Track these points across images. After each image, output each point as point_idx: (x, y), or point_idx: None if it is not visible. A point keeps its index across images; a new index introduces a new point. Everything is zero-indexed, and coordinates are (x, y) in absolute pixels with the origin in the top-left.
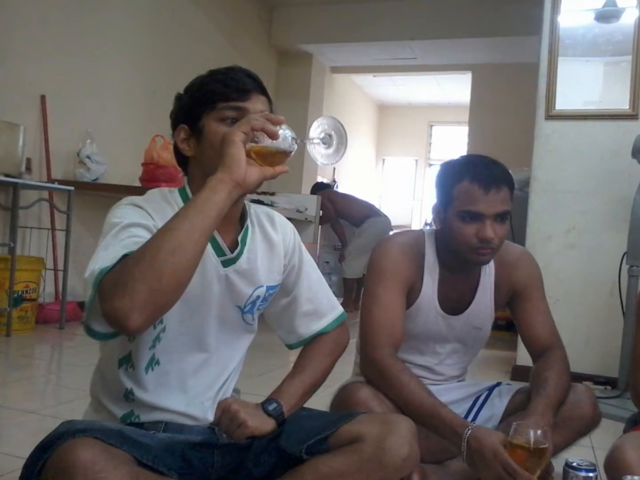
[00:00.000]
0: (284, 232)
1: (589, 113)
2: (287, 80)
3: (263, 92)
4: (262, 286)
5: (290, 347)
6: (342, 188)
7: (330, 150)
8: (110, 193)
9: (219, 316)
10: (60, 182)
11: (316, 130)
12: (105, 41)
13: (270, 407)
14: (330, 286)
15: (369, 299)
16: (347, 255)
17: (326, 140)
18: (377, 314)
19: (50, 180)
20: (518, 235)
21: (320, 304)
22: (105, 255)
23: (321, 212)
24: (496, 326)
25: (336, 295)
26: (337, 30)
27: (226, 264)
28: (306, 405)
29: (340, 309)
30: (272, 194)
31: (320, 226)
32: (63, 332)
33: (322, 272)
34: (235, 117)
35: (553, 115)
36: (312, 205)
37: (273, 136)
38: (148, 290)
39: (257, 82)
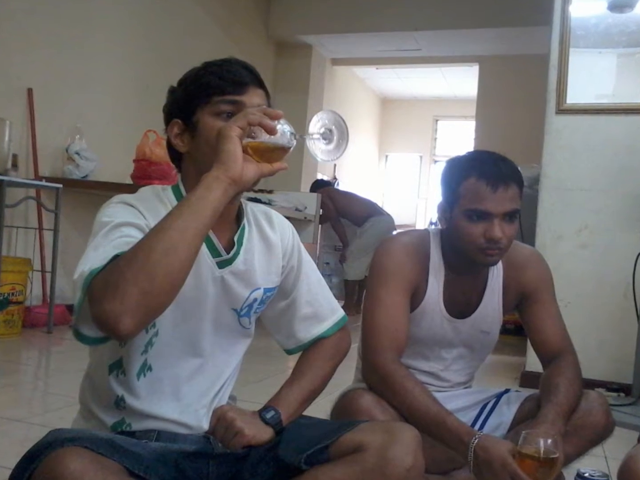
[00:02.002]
0: (282, 232)
1: (601, 107)
2: (285, 72)
3: (260, 85)
4: (259, 288)
5: (289, 352)
6: (343, 186)
7: (331, 146)
8: (101, 191)
9: (215, 320)
10: (48, 179)
11: (316, 125)
12: (95, 32)
13: (268, 415)
14: (331, 288)
15: (371, 301)
16: (349, 256)
17: (326, 136)
18: (380, 317)
19: (37, 177)
20: (527, 235)
21: (320, 307)
22: (95, 256)
23: (321, 210)
24: (504, 330)
25: (337, 298)
26: (337, 20)
27: (222, 265)
28: (306, 412)
29: (341, 312)
30: (270, 191)
31: (320, 225)
32: (51, 337)
33: (322, 274)
34: (231, 112)
35: (564, 110)
36: (311, 204)
37: (271, 131)
38: (140, 293)
39: (254, 75)
